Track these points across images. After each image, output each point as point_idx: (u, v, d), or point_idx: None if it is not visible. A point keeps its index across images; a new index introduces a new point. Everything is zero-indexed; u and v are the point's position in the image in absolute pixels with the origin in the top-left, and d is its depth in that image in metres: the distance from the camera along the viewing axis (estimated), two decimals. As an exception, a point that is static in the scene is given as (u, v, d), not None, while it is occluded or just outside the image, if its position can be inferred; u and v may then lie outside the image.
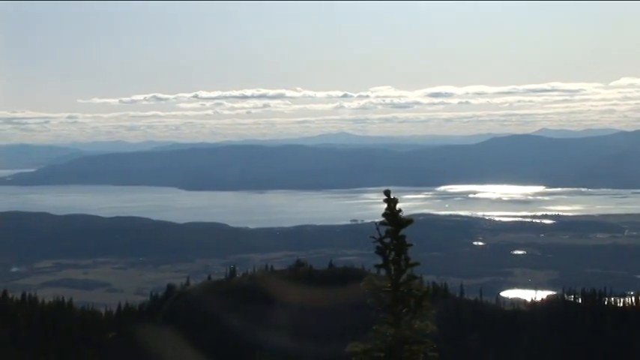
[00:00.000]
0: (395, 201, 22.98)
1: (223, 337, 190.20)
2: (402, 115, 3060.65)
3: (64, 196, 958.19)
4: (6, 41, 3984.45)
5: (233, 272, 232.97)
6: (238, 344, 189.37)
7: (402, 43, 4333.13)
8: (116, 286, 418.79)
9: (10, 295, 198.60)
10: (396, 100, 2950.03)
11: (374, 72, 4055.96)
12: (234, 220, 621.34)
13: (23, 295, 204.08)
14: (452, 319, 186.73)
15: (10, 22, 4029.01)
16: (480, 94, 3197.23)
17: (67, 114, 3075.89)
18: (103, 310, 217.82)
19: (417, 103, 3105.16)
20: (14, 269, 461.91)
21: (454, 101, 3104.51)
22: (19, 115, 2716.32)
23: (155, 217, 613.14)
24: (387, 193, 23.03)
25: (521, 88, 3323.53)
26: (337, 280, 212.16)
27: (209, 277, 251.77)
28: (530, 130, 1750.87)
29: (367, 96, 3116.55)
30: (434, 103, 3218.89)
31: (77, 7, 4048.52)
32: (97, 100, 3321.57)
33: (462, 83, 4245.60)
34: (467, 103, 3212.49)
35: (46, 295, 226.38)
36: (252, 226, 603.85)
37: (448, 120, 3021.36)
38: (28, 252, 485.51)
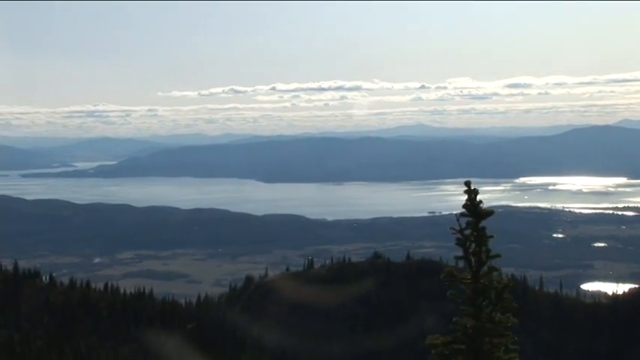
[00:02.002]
0: (475, 192, 22.73)
1: (302, 328, 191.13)
2: (480, 106, 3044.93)
3: (144, 188, 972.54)
4: (88, 37, 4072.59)
5: (311, 263, 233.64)
6: (317, 334, 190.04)
7: (480, 34, 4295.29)
8: (195, 277, 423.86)
9: (92, 286, 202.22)
10: (474, 92, 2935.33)
11: (451, 63, 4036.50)
12: (311, 212, 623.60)
13: (105, 285, 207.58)
14: (531, 312, 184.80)
15: (92, 20, 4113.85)
16: (559, 84, 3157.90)
17: (147, 107, 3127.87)
18: (182, 301, 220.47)
19: (496, 94, 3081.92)
20: (97, 260, 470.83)
21: (533, 92, 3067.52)
22: (100, 108, 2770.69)
23: (233, 208, 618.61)
24: (467, 184, 22.79)
25: (602, 78, 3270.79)
26: (415, 271, 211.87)
27: (287, 269, 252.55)
28: (611, 120, 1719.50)
29: (445, 87, 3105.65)
30: (513, 94, 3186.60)
31: (157, 3, 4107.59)
32: (176, 93, 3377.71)
33: (541, 74, 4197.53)
34: (546, 93, 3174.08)
35: (128, 286, 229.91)
36: (329, 217, 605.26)
37: (527, 111, 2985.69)
38: (110, 243, 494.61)
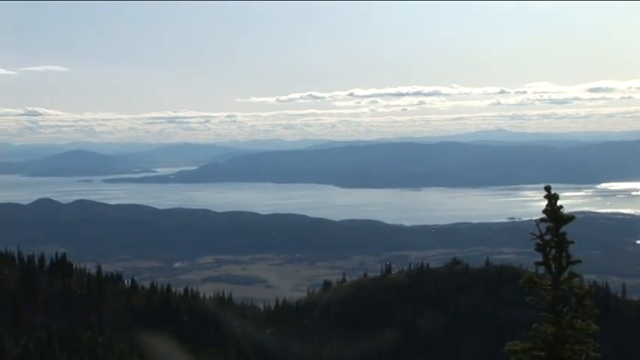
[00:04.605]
0: (556, 197, 22.50)
1: (379, 334, 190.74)
2: (560, 111, 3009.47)
3: (223, 193, 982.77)
4: (169, 44, 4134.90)
5: (389, 269, 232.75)
6: (392, 341, 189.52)
7: (560, 37, 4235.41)
8: (274, 282, 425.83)
9: (173, 290, 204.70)
10: (554, 96, 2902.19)
11: (531, 67, 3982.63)
12: (389, 218, 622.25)
13: (185, 289, 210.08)
14: (614, 319, 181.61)
15: (171, 27, 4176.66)
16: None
17: (227, 113, 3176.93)
18: (261, 306, 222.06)
19: (577, 98, 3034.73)
20: (177, 264, 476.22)
21: (616, 96, 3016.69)
22: (181, 114, 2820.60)
23: (311, 214, 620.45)
24: (547, 189, 22.58)
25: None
26: (494, 278, 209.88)
27: (365, 274, 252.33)
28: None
29: (524, 92, 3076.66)
30: (594, 99, 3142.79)
31: (236, 7, 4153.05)
32: (255, 99, 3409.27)
33: (623, 77, 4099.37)
34: (629, 97, 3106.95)
35: (207, 290, 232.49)
36: (407, 223, 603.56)
37: (609, 115, 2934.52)
38: (190, 248, 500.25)
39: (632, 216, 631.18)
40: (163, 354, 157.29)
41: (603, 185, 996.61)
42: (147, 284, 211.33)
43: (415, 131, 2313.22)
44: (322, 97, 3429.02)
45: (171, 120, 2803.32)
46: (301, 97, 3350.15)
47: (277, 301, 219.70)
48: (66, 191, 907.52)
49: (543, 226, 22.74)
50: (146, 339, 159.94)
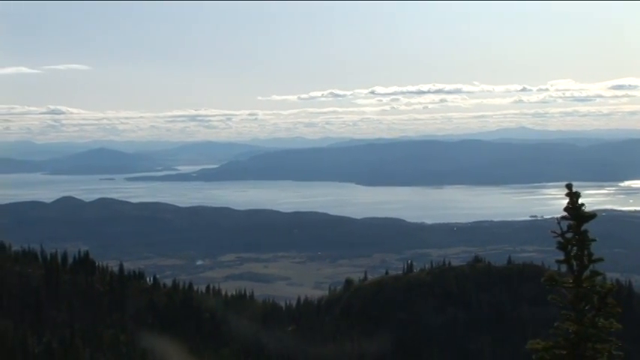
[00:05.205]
0: (577, 194, 22.41)
1: (400, 332, 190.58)
2: (583, 108, 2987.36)
3: (245, 191, 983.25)
4: (190, 43, 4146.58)
5: (410, 267, 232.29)
6: (414, 339, 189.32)
7: (582, 35, 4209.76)
8: (295, 279, 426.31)
9: (195, 288, 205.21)
10: (576, 94, 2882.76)
11: (553, 65, 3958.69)
12: (411, 216, 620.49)
13: (207, 287, 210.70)
14: (637, 318, 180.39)
15: (193, 26, 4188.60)
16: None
17: (248, 111, 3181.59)
18: (283, 304, 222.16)
19: (599, 96, 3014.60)
20: (199, 262, 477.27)
21: (639, 93, 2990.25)
22: (202, 112, 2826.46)
23: (333, 212, 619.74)
24: (568, 186, 22.50)
25: None
26: (516, 276, 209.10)
27: (386, 272, 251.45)
28: None
29: (547, 89, 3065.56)
30: (617, 96, 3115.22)
31: (257, 7, 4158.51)
32: (276, 97, 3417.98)
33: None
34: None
35: (229, 288, 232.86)
36: (429, 221, 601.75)
37: (632, 113, 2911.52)
38: (212, 246, 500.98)
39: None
40: (182, 351, 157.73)
41: (626, 183, 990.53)
42: (169, 282, 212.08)
43: (437, 129, 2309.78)
44: (343, 95, 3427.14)
45: (192, 118, 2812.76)
46: (322, 95, 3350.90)
47: (299, 299, 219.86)
48: (88, 189, 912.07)
49: (565, 224, 22.65)
50: (166, 337, 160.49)
